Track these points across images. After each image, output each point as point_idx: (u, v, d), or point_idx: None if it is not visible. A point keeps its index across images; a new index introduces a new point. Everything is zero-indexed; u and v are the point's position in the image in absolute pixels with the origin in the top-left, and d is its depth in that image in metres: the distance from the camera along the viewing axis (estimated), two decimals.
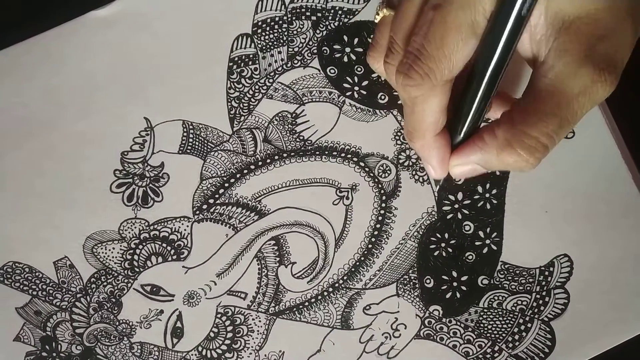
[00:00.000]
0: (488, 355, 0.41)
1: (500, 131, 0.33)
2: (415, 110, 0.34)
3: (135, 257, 0.40)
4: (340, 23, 0.42)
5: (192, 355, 0.40)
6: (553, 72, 0.31)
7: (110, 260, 0.40)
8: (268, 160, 0.41)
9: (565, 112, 0.32)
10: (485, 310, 0.41)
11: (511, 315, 0.41)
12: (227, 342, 0.40)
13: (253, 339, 0.40)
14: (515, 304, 0.41)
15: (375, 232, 0.41)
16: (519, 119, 0.32)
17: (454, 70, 0.32)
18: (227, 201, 0.41)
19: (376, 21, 0.37)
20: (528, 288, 0.41)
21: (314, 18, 0.42)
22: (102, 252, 0.40)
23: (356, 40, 0.42)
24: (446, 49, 0.31)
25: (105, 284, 0.40)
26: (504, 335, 0.41)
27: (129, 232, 0.40)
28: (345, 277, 0.41)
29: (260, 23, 0.42)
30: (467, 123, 0.34)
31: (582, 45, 0.31)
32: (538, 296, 0.41)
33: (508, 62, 0.32)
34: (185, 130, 0.41)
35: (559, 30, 0.31)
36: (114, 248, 0.40)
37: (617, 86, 0.32)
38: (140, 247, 0.40)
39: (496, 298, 0.41)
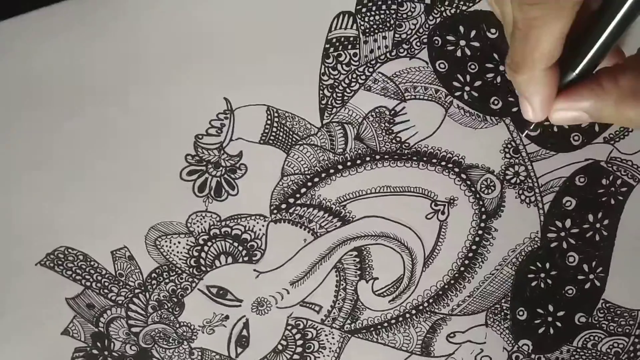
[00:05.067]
0: None
1: (625, 79, 0.28)
2: (530, 34, 0.29)
3: (203, 254, 0.36)
4: (458, 11, 0.36)
5: None
6: None
7: (174, 255, 0.36)
8: (358, 161, 0.37)
9: None
10: (578, 351, 0.38)
11: (605, 357, 0.38)
12: (296, 357, 0.37)
13: (324, 356, 0.37)
14: (611, 346, 0.38)
15: (470, 254, 0.37)
16: None
17: None
18: (308, 202, 0.37)
19: None
20: (627, 330, 0.38)
21: (427, 1, 0.36)
22: (166, 246, 0.36)
23: (473, 32, 0.36)
24: None
25: (167, 281, 0.36)
26: None
27: (198, 226, 0.36)
28: (431, 300, 0.37)
29: (366, 1, 0.36)
30: (588, 59, 0.29)
31: None
32: (636, 340, 0.38)
33: None
34: (269, 117, 0.36)
35: None
36: (179, 242, 0.36)
37: None
38: (209, 244, 0.36)
39: (591, 338, 0.38)
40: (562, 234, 0.37)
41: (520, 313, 0.37)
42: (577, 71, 0.30)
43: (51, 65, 0.35)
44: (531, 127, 0.35)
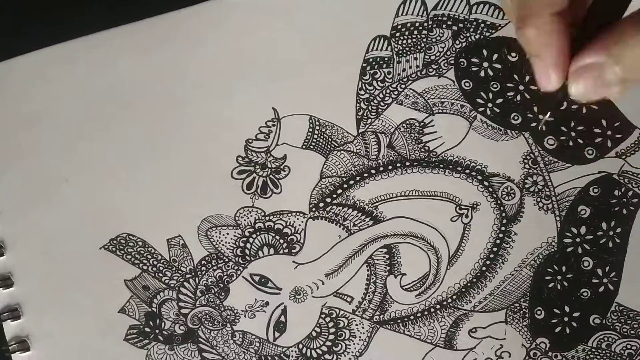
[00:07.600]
0: None
1: None
2: None
3: (248, 245, 0.40)
4: (481, 36, 0.41)
5: (292, 351, 0.40)
6: None
7: (222, 245, 0.40)
8: (390, 167, 0.41)
9: None
10: (593, 350, 0.40)
11: (619, 358, 0.40)
12: (328, 343, 0.40)
13: (354, 344, 0.40)
14: (624, 348, 0.40)
15: (491, 255, 0.40)
16: None
17: None
18: (343, 202, 0.41)
19: None
20: (639, 333, 0.40)
21: (455, 28, 0.41)
22: (216, 236, 0.40)
23: (495, 55, 0.41)
24: None
25: (215, 268, 0.40)
26: None
27: (245, 220, 0.40)
28: (454, 297, 0.40)
29: (399, 26, 0.41)
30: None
31: None
32: None
33: None
34: (311, 125, 0.41)
35: None
36: (227, 233, 0.40)
37: None
38: (254, 236, 0.40)
39: (606, 339, 0.40)
40: (578, 239, 0.40)
41: (538, 312, 0.40)
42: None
43: (129, 76, 0.41)
44: (550, 106, 0.33)
